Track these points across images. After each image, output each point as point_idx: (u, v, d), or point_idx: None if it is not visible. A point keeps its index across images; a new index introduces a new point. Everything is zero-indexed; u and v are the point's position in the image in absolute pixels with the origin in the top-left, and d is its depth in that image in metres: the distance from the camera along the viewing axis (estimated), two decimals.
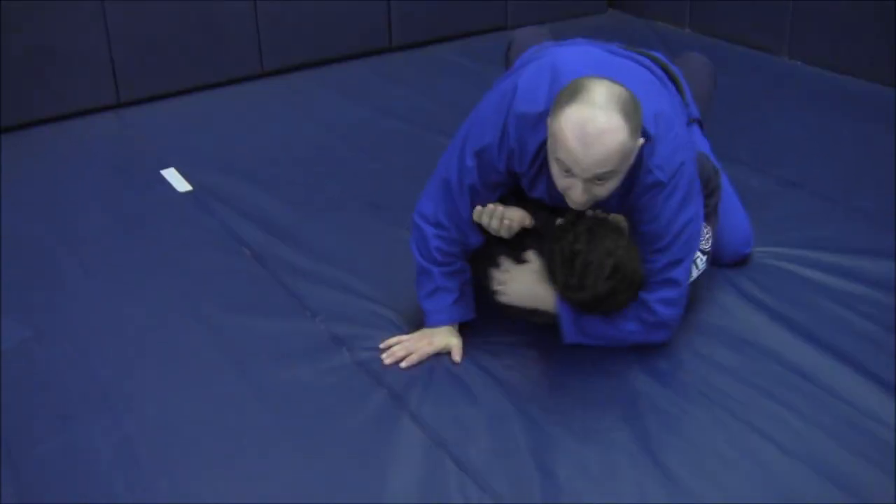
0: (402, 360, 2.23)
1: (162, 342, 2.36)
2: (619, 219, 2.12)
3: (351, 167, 3.31)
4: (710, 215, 2.36)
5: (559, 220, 2.13)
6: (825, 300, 2.42)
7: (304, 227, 2.89)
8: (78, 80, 3.74)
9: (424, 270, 2.27)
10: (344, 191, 3.13)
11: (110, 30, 3.75)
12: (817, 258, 2.59)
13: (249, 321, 2.43)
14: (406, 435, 2.01)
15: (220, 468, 1.95)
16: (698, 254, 2.25)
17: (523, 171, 2.13)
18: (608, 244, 2.03)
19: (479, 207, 2.21)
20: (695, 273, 2.25)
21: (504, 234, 2.21)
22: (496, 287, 2.23)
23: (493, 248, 2.25)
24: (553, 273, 2.09)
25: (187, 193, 3.13)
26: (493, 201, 2.22)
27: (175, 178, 3.23)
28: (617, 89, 1.92)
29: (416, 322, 2.32)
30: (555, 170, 1.98)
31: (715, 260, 2.46)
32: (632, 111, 1.91)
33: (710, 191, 2.34)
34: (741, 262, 2.56)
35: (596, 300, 2.07)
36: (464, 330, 2.30)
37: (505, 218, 2.19)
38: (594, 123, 1.87)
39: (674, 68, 2.48)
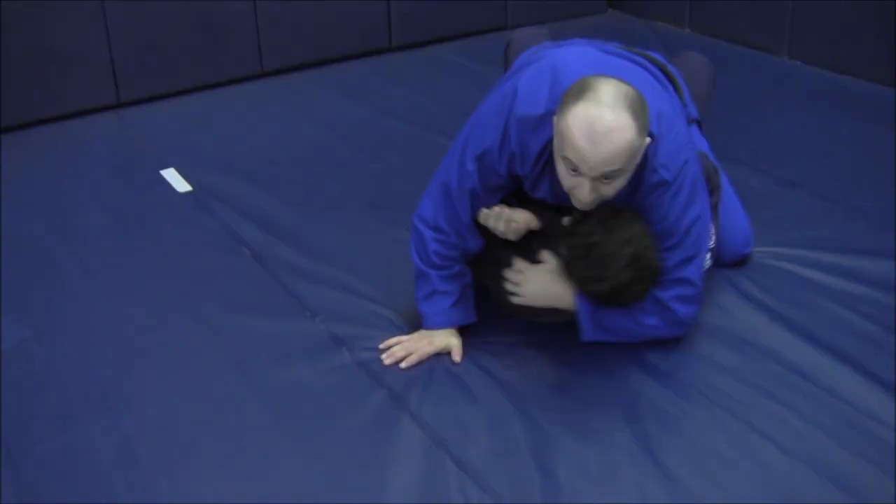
0: (401, 360, 2.23)
1: (162, 342, 2.36)
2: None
3: (351, 167, 3.31)
4: (711, 214, 2.36)
5: (569, 217, 2.12)
6: (825, 300, 2.42)
7: (304, 227, 2.89)
8: (78, 80, 3.74)
9: (423, 274, 2.27)
10: (344, 191, 3.13)
11: (110, 30, 3.75)
12: (817, 258, 2.59)
13: (249, 321, 2.43)
14: (406, 435, 2.01)
15: (220, 468, 1.95)
16: None
17: (525, 172, 2.13)
18: (624, 233, 2.03)
19: (484, 211, 2.20)
20: None
21: (511, 236, 2.21)
22: (511, 288, 2.21)
23: (500, 251, 2.24)
24: (571, 267, 2.08)
25: (187, 194, 3.13)
26: (494, 204, 2.22)
27: (175, 179, 3.23)
28: (624, 88, 1.92)
29: (416, 322, 2.32)
30: (561, 169, 1.98)
31: (715, 260, 2.46)
32: (639, 109, 1.92)
33: (710, 189, 2.34)
34: (741, 262, 2.56)
35: (616, 291, 2.06)
36: (464, 330, 2.30)
37: (511, 220, 2.19)
38: (602, 121, 1.87)
39: (672, 69, 2.48)
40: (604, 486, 1.87)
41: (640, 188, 2.06)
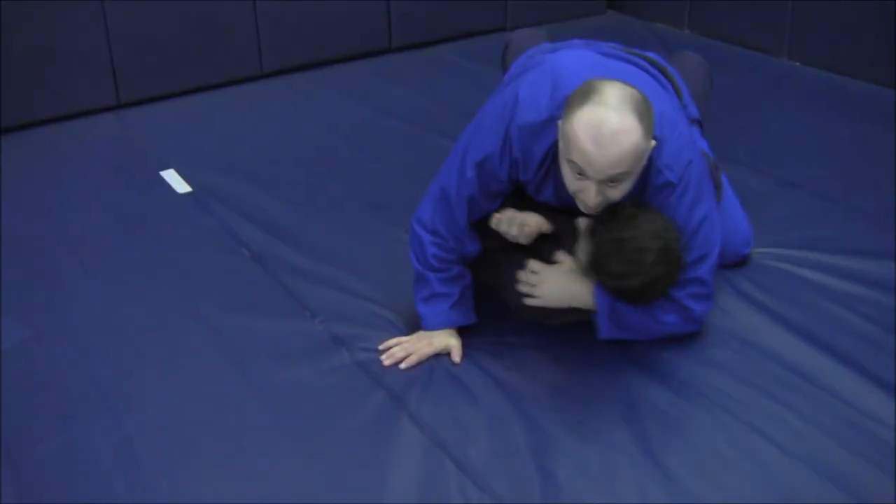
0: (401, 361, 2.24)
1: (162, 342, 2.36)
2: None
3: (351, 167, 3.31)
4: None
5: (583, 218, 2.10)
6: (825, 300, 2.42)
7: (304, 227, 2.89)
8: (78, 80, 3.74)
9: (422, 276, 2.28)
10: (344, 191, 3.13)
11: (110, 30, 3.75)
12: (817, 258, 2.59)
13: (249, 321, 2.43)
14: (406, 435, 2.01)
15: (220, 468, 1.95)
16: None
17: (529, 177, 2.13)
18: (652, 227, 2.02)
19: (496, 216, 2.20)
20: None
21: (523, 240, 2.20)
22: (526, 290, 2.20)
23: (511, 255, 2.23)
24: (601, 265, 2.05)
25: (187, 194, 3.13)
26: (493, 210, 2.22)
27: (174, 180, 3.23)
28: (629, 90, 1.92)
29: (416, 323, 2.32)
30: (567, 173, 1.98)
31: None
32: (644, 112, 1.92)
33: (713, 186, 2.34)
34: (741, 262, 2.56)
35: (647, 285, 2.04)
36: (463, 331, 2.30)
37: (525, 224, 2.19)
38: (608, 124, 1.87)
39: (671, 69, 2.49)
40: (604, 486, 1.87)
41: (645, 190, 2.06)
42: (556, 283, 2.17)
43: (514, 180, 2.16)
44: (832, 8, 3.96)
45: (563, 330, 2.29)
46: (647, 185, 2.05)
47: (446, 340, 2.27)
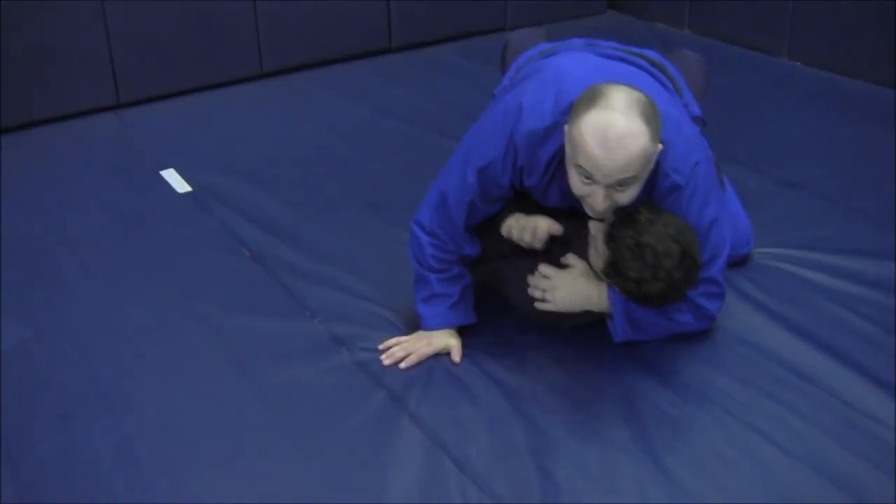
0: (401, 360, 2.24)
1: (162, 342, 2.36)
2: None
3: (351, 167, 3.31)
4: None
5: (597, 221, 2.09)
6: (825, 301, 2.42)
7: (303, 227, 2.89)
8: (78, 80, 3.74)
9: (422, 277, 2.28)
10: (344, 191, 3.13)
11: (110, 30, 3.75)
12: (817, 259, 2.60)
13: (249, 321, 2.43)
14: (406, 435, 2.01)
15: (220, 468, 1.95)
16: None
17: (534, 182, 2.13)
18: (670, 231, 2.00)
19: (508, 223, 2.20)
20: None
21: (537, 245, 2.19)
22: (539, 295, 2.19)
23: (521, 260, 2.22)
24: (621, 270, 2.02)
25: (187, 194, 3.13)
26: (492, 213, 2.22)
27: (174, 180, 3.23)
28: (636, 94, 1.92)
29: (416, 323, 2.32)
30: (574, 177, 1.97)
31: None
32: (651, 116, 1.91)
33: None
34: (741, 262, 2.56)
35: (668, 289, 2.02)
36: (463, 331, 2.30)
37: (537, 230, 2.18)
38: (615, 128, 1.87)
39: (670, 68, 2.48)
40: (604, 486, 1.87)
41: (652, 194, 2.06)
42: (570, 287, 2.16)
43: (515, 186, 2.16)
44: (832, 8, 3.96)
45: (563, 330, 2.29)
46: (655, 189, 2.05)
47: (446, 340, 2.27)
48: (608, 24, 4.76)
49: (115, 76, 3.82)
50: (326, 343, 2.33)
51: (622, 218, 2.02)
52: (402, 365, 2.22)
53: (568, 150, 1.97)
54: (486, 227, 2.25)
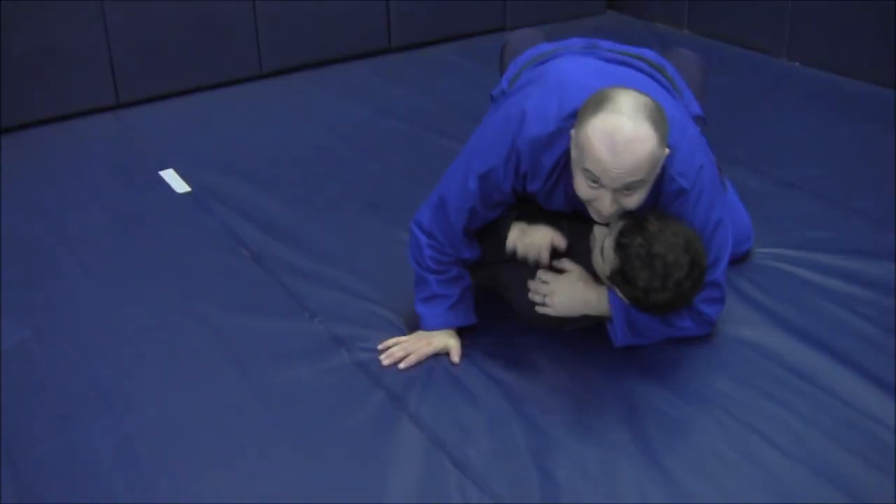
0: (400, 360, 2.24)
1: (162, 342, 2.36)
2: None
3: (351, 167, 3.31)
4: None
5: (601, 228, 2.08)
6: (824, 301, 2.42)
7: (303, 227, 2.89)
8: (78, 80, 3.74)
9: (421, 278, 2.28)
10: (344, 191, 3.13)
11: (110, 30, 3.75)
12: (816, 259, 2.60)
13: (249, 321, 2.43)
14: (405, 435, 2.01)
15: (220, 468, 1.95)
16: None
17: (538, 187, 2.13)
18: (680, 241, 1.99)
19: (512, 238, 2.20)
20: None
21: (543, 262, 2.19)
22: (539, 300, 2.19)
23: (521, 266, 2.22)
24: (630, 279, 2.00)
25: (186, 194, 3.13)
26: (492, 219, 2.22)
27: (174, 180, 3.23)
28: (643, 98, 1.92)
29: (415, 323, 2.32)
30: (580, 181, 1.97)
31: None
32: (659, 120, 1.91)
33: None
34: (741, 259, 2.56)
35: (675, 298, 2.02)
36: (463, 331, 2.30)
37: (543, 248, 2.18)
38: (622, 132, 1.87)
39: (669, 68, 2.48)
40: (604, 486, 1.87)
41: (659, 198, 2.06)
42: (570, 292, 2.17)
43: (518, 191, 2.16)
44: (832, 8, 3.96)
45: (563, 331, 2.29)
46: (661, 193, 2.05)
47: (445, 341, 2.27)
48: (608, 24, 4.75)
49: (114, 76, 3.82)
50: (326, 343, 2.33)
51: (631, 226, 2.01)
52: (402, 365, 2.23)
53: (574, 154, 1.96)
54: (486, 232, 2.26)
